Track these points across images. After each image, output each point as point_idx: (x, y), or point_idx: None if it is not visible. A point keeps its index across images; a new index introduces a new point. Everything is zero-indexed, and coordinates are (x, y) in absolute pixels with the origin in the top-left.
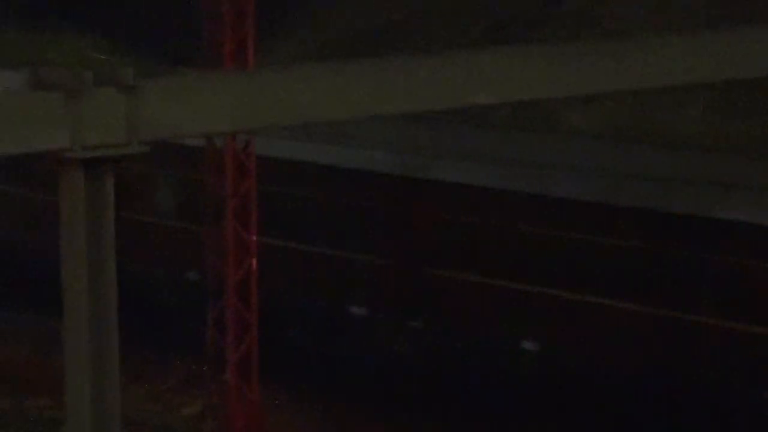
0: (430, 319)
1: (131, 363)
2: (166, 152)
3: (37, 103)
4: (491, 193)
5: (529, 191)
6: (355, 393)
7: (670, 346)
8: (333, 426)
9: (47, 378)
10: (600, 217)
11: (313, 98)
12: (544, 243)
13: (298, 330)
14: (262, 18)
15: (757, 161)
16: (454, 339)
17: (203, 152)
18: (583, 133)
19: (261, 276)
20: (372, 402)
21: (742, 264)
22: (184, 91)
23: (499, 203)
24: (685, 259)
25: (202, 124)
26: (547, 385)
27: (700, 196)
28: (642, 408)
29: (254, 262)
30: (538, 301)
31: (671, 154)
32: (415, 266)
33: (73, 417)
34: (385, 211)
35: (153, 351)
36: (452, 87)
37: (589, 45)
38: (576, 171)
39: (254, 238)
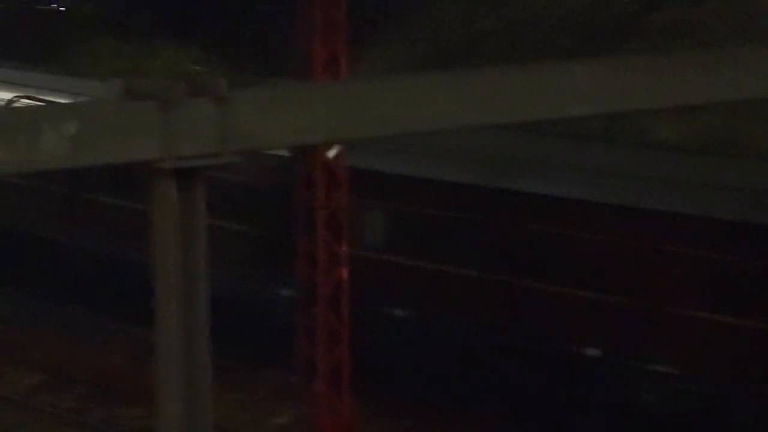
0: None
1: (223, 373)
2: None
3: (131, 113)
4: (582, 205)
5: (620, 203)
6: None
7: None
8: None
9: (140, 387)
10: (698, 230)
11: (404, 110)
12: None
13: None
14: (354, 29)
15: None
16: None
17: (295, 163)
18: (674, 146)
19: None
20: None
21: None
22: (276, 102)
23: (592, 216)
24: None
25: (293, 135)
26: None
27: None
28: None
29: (345, 272)
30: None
31: (764, 166)
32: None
33: (164, 427)
34: (478, 223)
35: (245, 361)
36: (544, 99)
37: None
38: (668, 183)
39: (344, 248)
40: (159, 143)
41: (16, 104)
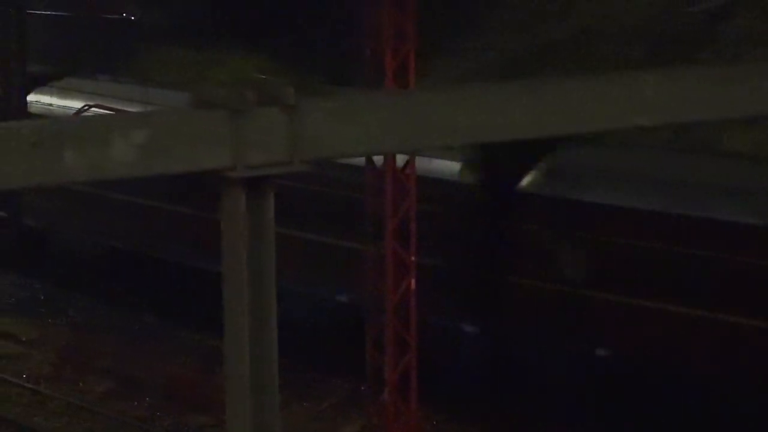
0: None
1: (291, 382)
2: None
3: (200, 122)
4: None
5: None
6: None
7: None
8: None
9: (209, 395)
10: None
11: (473, 119)
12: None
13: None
14: (423, 38)
15: None
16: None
17: (364, 171)
18: (744, 155)
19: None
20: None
21: None
22: (345, 111)
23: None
24: None
25: (362, 144)
26: None
27: None
28: None
29: (413, 282)
30: None
31: None
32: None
33: None
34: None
35: (314, 370)
36: (613, 108)
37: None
38: (738, 193)
39: (413, 258)
40: (229, 152)
41: (86, 113)
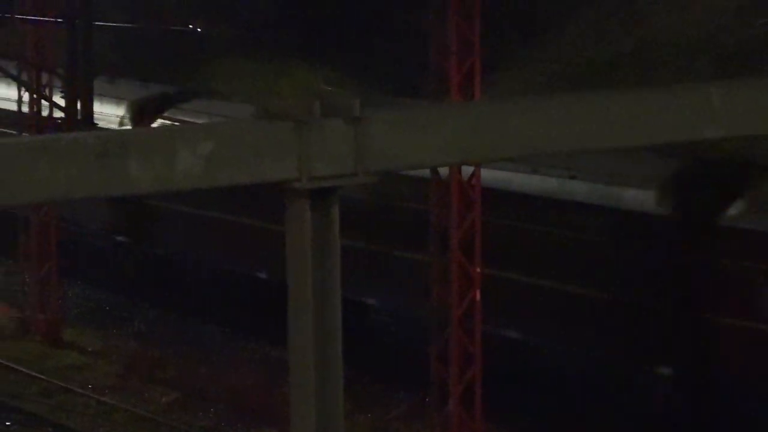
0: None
1: (356, 392)
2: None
3: (266, 133)
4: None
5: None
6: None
7: None
8: None
9: (274, 406)
10: None
11: (538, 130)
12: None
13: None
14: (489, 50)
15: None
16: None
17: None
18: None
19: None
20: None
21: None
22: (410, 123)
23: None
24: None
25: (427, 156)
26: None
27: None
28: None
29: (478, 293)
30: None
31: None
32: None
33: None
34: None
35: (378, 381)
36: (680, 121)
37: None
38: None
39: (478, 269)
40: (294, 163)
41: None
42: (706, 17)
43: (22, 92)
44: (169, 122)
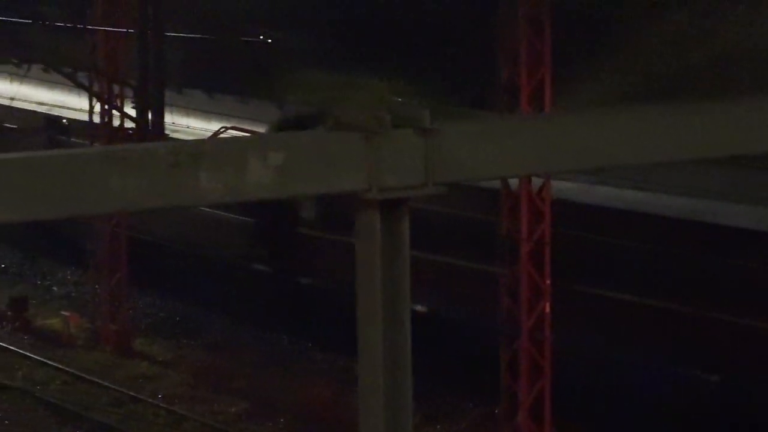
0: None
1: (425, 404)
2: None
3: (336, 144)
4: None
5: None
6: None
7: None
8: None
9: (343, 417)
10: None
11: (610, 143)
12: None
13: None
14: (561, 59)
15: None
16: None
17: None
18: None
19: None
20: None
21: None
22: (480, 134)
23: None
24: None
25: (497, 167)
26: None
27: None
28: None
29: (547, 306)
30: None
31: None
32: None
33: None
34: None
35: (447, 392)
36: (754, 133)
37: None
38: None
39: (548, 281)
40: (364, 174)
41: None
42: None
43: (93, 103)
44: None
